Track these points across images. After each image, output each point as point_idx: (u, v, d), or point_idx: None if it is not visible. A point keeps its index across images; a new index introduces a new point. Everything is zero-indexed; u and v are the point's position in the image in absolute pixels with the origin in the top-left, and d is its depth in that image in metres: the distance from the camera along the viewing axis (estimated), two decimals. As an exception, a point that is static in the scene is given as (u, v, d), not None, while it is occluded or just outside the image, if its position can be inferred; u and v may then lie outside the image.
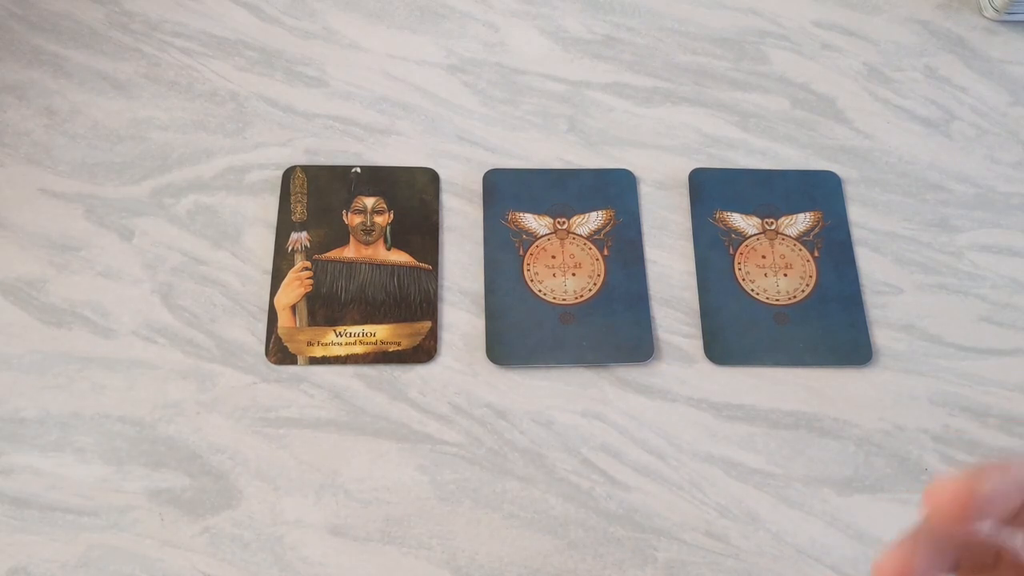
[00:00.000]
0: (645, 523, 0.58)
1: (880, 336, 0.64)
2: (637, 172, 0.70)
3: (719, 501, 0.58)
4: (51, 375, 0.60)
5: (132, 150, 0.68)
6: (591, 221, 0.67)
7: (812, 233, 0.68)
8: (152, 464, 0.58)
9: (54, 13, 0.74)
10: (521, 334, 0.63)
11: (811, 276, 0.66)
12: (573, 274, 0.65)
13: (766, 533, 0.58)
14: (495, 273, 0.65)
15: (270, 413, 0.60)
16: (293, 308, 0.63)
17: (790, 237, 0.67)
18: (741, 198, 0.68)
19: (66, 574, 0.55)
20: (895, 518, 0.58)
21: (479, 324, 0.63)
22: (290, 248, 0.65)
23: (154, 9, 0.74)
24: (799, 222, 0.68)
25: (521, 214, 0.67)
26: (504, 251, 0.66)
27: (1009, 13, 0.77)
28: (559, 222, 0.67)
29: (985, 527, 0.29)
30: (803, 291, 0.65)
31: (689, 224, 0.68)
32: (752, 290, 0.65)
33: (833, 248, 0.67)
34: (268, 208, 0.67)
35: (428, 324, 0.63)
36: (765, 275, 0.66)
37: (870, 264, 0.67)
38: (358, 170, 0.68)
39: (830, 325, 0.64)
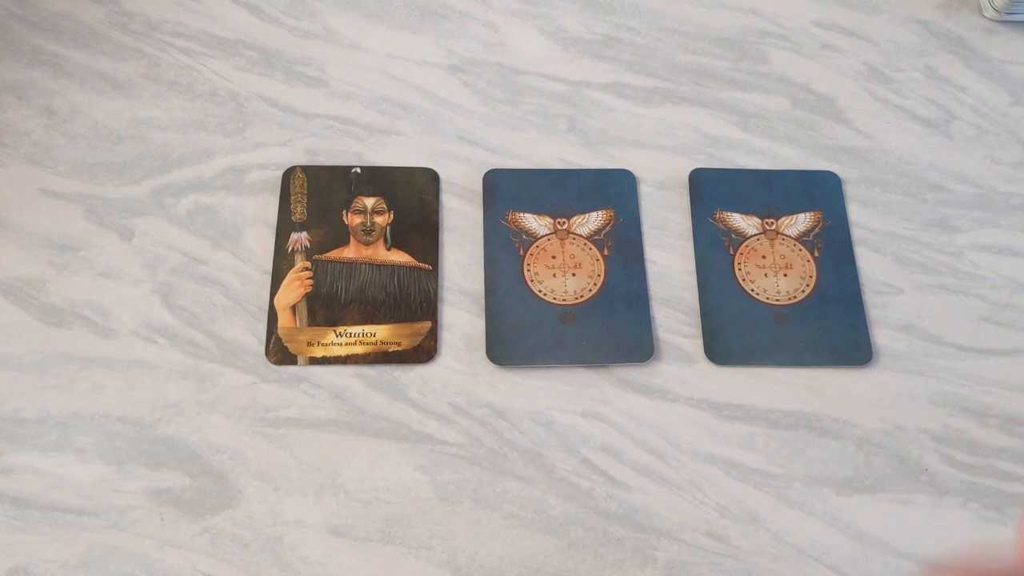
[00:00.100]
0: (645, 523, 0.58)
1: (880, 336, 0.64)
2: (637, 172, 0.70)
3: (719, 501, 0.58)
4: (51, 375, 0.60)
5: (132, 150, 0.68)
6: (591, 221, 0.67)
7: (812, 233, 0.68)
8: (152, 464, 0.58)
9: (54, 13, 0.74)
10: (521, 334, 0.63)
11: (811, 276, 0.66)
12: (573, 274, 0.65)
13: (766, 533, 0.58)
14: (495, 273, 0.65)
15: (270, 413, 0.60)
16: (293, 308, 0.63)
17: (790, 237, 0.67)
18: (741, 198, 0.68)
19: (66, 574, 0.55)
20: (895, 518, 0.58)
21: (479, 324, 0.63)
22: (290, 248, 0.65)
23: (154, 9, 0.74)
24: (799, 222, 0.68)
25: (521, 214, 0.67)
26: (504, 251, 0.66)
27: (1009, 13, 0.77)
28: (559, 222, 0.67)
29: None
30: (803, 291, 0.65)
31: (689, 224, 0.68)
32: (752, 290, 0.65)
33: (833, 248, 0.67)
34: (268, 208, 0.67)
35: (428, 324, 0.63)
36: (765, 275, 0.66)
37: (870, 264, 0.67)
38: (358, 170, 0.68)
39: (830, 325, 0.64)
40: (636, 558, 0.57)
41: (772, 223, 0.68)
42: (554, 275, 0.65)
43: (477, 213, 0.68)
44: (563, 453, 0.59)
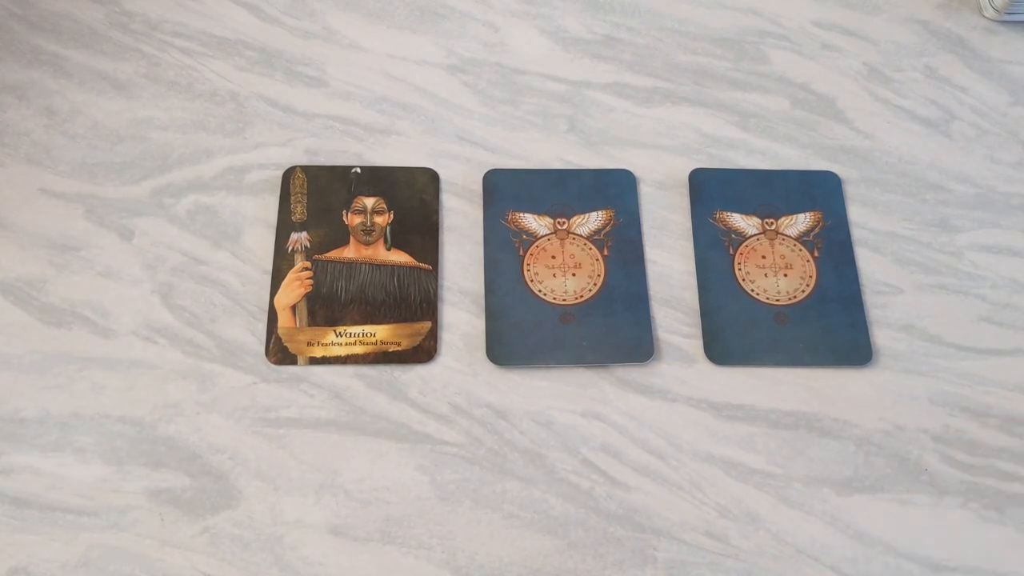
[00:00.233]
0: (645, 523, 0.58)
1: (880, 336, 0.64)
2: (637, 172, 0.70)
3: (719, 501, 0.58)
4: (51, 375, 0.60)
5: (132, 150, 0.68)
6: (591, 221, 0.67)
7: (812, 233, 0.68)
8: (152, 464, 0.58)
9: (54, 13, 0.74)
10: (521, 334, 0.63)
11: (811, 276, 0.66)
12: (573, 274, 0.65)
13: (766, 533, 0.58)
14: (495, 273, 0.65)
15: (270, 413, 0.60)
16: (293, 308, 0.63)
17: (790, 237, 0.67)
18: (741, 198, 0.68)
19: (66, 574, 0.55)
20: (895, 518, 0.58)
21: (479, 324, 0.63)
22: (290, 248, 0.65)
23: (154, 9, 0.74)
24: (799, 222, 0.68)
25: (521, 214, 0.67)
26: (504, 251, 0.66)
27: (1009, 13, 0.77)
28: (559, 222, 0.67)
29: None
30: (803, 291, 0.65)
31: (689, 224, 0.68)
32: (752, 290, 0.65)
33: (833, 248, 0.67)
34: (268, 208, 0.67)
35: (428, 324, 0.63)
36: (765, 275, 0.66)
37: (870, 264, 0.67)
38: (358, 170, 0.68)
39: (830, 325, 0.64)
40: (636, 558, 0.57)
41: (772, 223, 0.68)
42: (554, 275, 0.65)
43: (477, 213, 0.68)
44: (563, 453, 0.59)
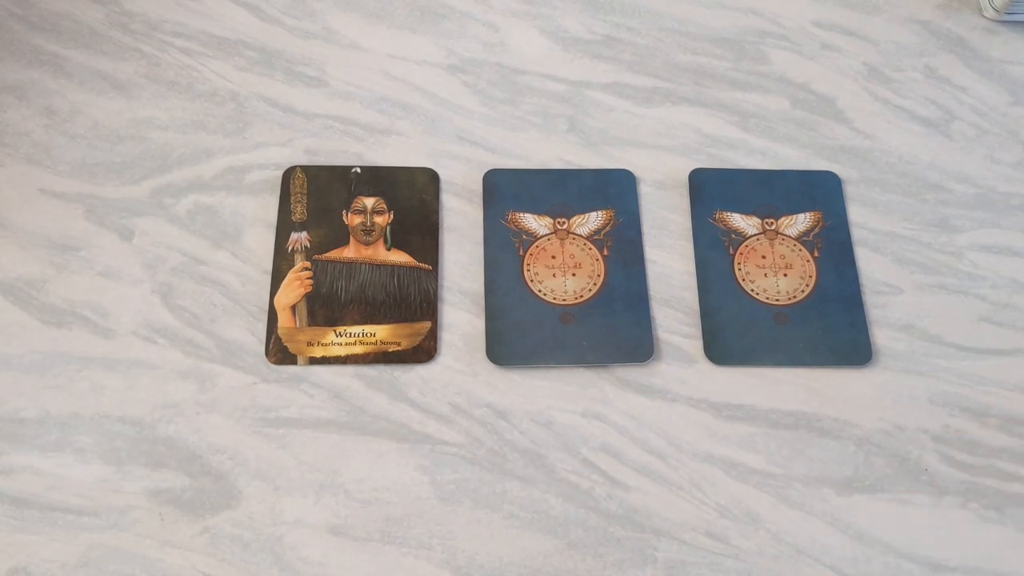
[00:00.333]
0: (645, 523, 0.58)
1: (880, 336, 0.64)
2: (637, 172, 0.70)
3: (719, 501, 0.58)
4: (51, 375, 0.60)
5: (132, 150, 0.68)
6: (591, 221, 0.67)
7: (812, 233, 0.68)
8: (152, 464, 0.58)
9: (54, 13, 0.74)
10: (521, 334, 0.63)
11: (811, 276, 0.66)
12: (573, 274, 0.65)
13: (766, 533, 0.58)
14: (495, 273, 0.65)
15: (270, 413, 0.60)
16: (293, 308, 0.63)
17: (790, 237, 0.67)
18: (741, 198, 0.68)
19: (66, 574, 0.55)
20: (895, 518, 0.58)
21: (479, 324, 0.63)
22: (290, 248, 0.65)
23: (154, 9, 0.74)
24: (799, 222, 0.68)
25: (521, 214, 0.67)
26: (504, 251, 0.66)
27: (1009, 13, 0.77)
28: (559, 222, 0.67)
29: None
30: (803, 291, 0.65)
31: (689, 224, 0.68)
32: (752, 290, 0.65)
33: (833, 248, 0.67)
34: (268, 208, 0.67)
35: (428, 324, 0.63)
36: (765, 275, 0.66)
37: (870, 264, 0.67)
38: (358, 170, 0.68)
39: (830, 325, 0.64)
40: (636, 558, 0.57)
41: (772, 223, 0.68)
42: (554, 275, 0.65)
43: (477, 213, 0.68)
44: (563, 453, 0.59)
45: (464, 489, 0.58)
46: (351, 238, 0.66)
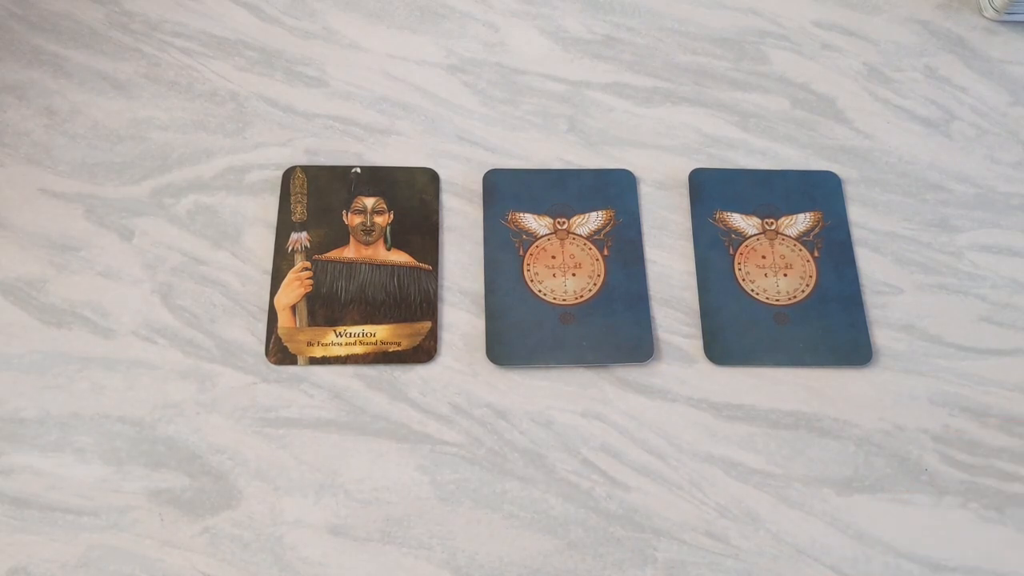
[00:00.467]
0: (645, 523, 0.58)
1: (880, 336, 0.64)
2: (637, 172, 0.70)
3: (719, 501, 0.58)
4: (51, 375, 0.60)
5: (132, 150, 0.68)
6: (591, 221, 0.67)
7: (812, 233, 0.68)
8: (152, 464, 0.58)
9: (54, 13, 0.74)
10: (521, 334, 0.63)
11: (811, 276, 0.66)
12: (573, 274, 0.65)
13: (766, 533, 0.58)
14: (495, 273, 0.65)
15: (270, 413, 0.60)
16: (293, 308, 0.63)
17: (790, 237, 0.67)
18: (741, 198, 0.68)
19: (66, 574, 0.55)
20: (895, 518, 0.58)
21: (479, 324, 0.63)
22: (290, 248, 0.65)
23: (154, 9, 0.74)
24: (799, 222, 0.68)
25: (521, 214, 0.67)
26: (504, 251, 0.66)
27: (1009, 13, 0.77)
28: (559, 222, 0.67)
29: None
30: (803, 291, 0.65)
31: (689, 224, 0.68)
32: (752, 290, 0.65)
33: (833, 248, 0.67)
34: (268, 208, 0.67)
35: (428, 324, 0.63)
36: (765, 275, 0.66)
37: (870, 264, 0.67)
38: (358, 170, 0.68)
39: (830, 325, 0.64)
40: (636, 558, 0.57)
41: (772, 223, 0.68)
42: (554, 275, 0.65)
43: (477, 213, 0.68)
44: (563, 453, 0.59)
45: (464, 489, 0.58)
46: (351, 238, 0.66)
